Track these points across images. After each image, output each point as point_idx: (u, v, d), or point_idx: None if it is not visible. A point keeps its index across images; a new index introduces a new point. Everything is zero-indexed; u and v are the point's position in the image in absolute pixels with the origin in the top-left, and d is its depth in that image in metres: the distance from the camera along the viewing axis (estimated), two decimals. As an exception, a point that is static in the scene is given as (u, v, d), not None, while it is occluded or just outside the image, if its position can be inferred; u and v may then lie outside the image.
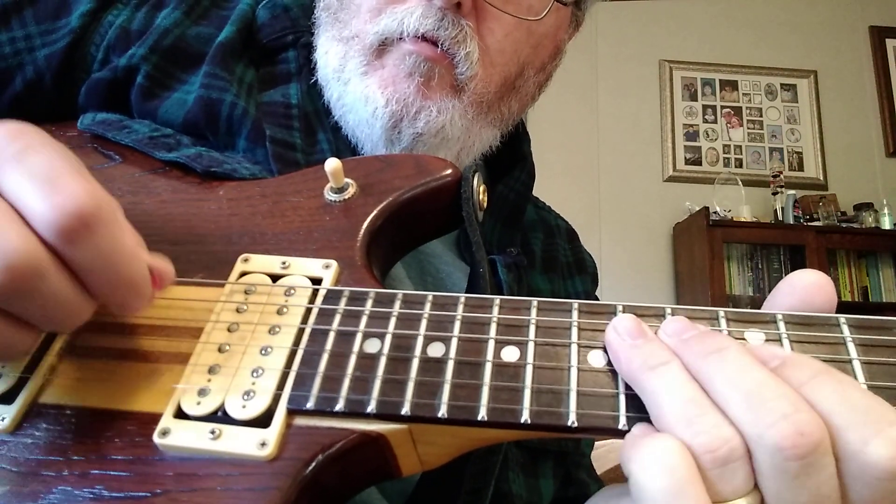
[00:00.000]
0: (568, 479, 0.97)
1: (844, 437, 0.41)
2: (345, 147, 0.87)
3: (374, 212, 0.67)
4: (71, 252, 0.47)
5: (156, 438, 0.52)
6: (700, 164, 5.55)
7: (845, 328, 0.50)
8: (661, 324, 0.50)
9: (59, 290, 0.48)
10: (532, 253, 1.03)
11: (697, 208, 5.11)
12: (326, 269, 0.62)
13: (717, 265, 4.86)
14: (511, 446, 0.84)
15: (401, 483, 0.64)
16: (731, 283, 5.11)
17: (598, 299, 1.12)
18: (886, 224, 5.18)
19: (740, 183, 5.38)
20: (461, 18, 0.81)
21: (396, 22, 0.80)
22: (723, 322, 0.52)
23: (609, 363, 0.51)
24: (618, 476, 0.49)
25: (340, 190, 0.68)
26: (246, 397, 0.53)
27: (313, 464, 0.50)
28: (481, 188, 0.72)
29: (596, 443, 1.37)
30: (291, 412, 0.52)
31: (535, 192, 1.16)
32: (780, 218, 5.24)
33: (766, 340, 0.51)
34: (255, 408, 0.53)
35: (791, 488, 0.41)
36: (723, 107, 5.71)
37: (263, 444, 0.51)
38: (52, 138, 0.51)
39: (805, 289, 0.52)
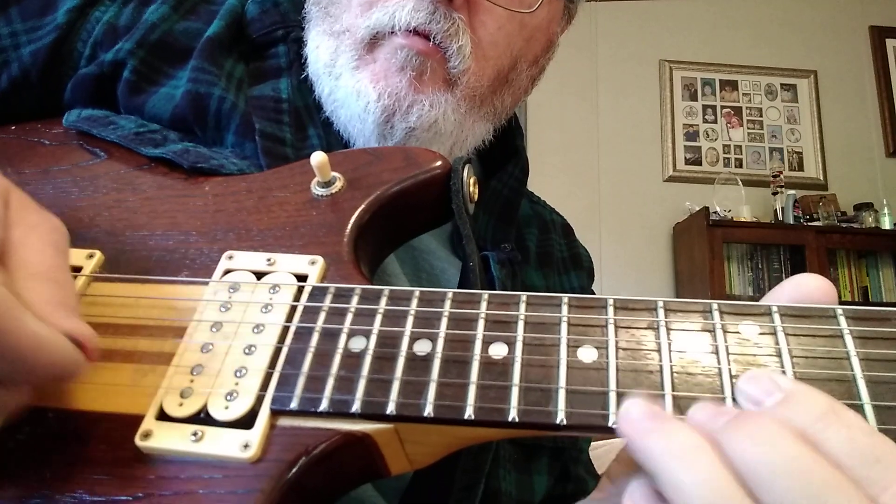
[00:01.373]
0: (565, 474, 0.96)
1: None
2: (336, 142, 0.86)
3: (362, 206, 0.66)
4: None
5: (137, 441, 0.51)
6: (700, 164, 5.55)
7: (842, 320, 0.49)
8: (688, 412, 0.45)
9: None
10: (527, 248, 1.02)
11: (697, 208, 5.11)
12: (312, 266, 0.61)
13: (717, 265, 4.86)
14: (504, 443, 0.83)
15: (396, 479, 0.64)
16: (731, 283, 5.11)
17: (594, 294, 1.12)
18: (886, 224, 5.18)
19: (740, 183, 5.38)
20: (453, 11, 0.80)
21: (388, 16, 0.79)
22: (716, 315, 0.51)
23: (599, 359, 0.49)
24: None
25: (327, 184, 0.67)
26: (229, 398, 0.52)
27: (297, 465, 0.49)
28: (471, 180, 0.71)
29: (596, 442, 1.37)
30: (275, 413, 0.51)
31: (535, 192, 1.16)
32: (780, 218, 5.25)
33: (761, 334, 0.49)
34: (238, 409, 0.51)
35: None
36: (723, 107, 5.72)
37: (246, 446, 0.50)
38: None
39: (810, 290, 0.50)
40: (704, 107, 5.71)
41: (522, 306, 0.54)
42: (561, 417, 0.47)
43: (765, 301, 0.52)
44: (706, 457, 0.40)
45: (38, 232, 0.52)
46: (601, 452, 1.41)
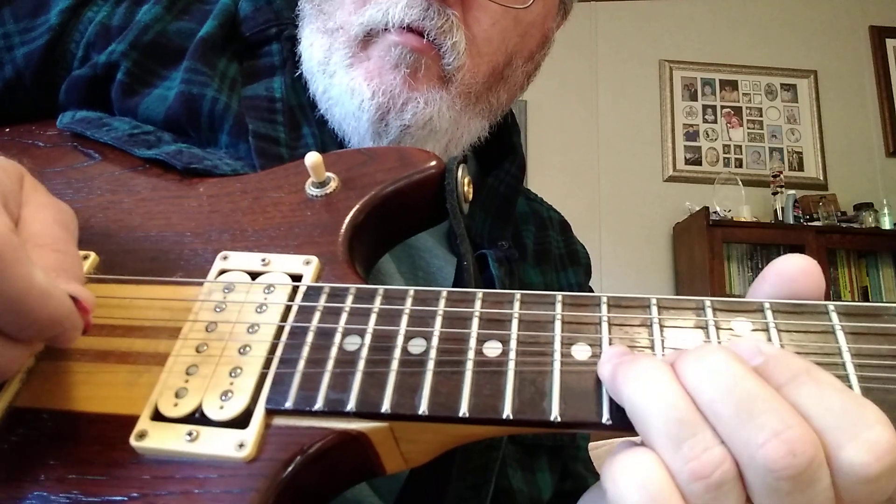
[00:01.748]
0: (565, 472, 0.96)
1: (825, 441, 0.40)
2: (331, 141, 0.86)
3: (357, 206, 0.66)
4: None
5: (133, 441, 0.51)
6: (700, 164, 5.55)
7: (834, 316, 0.49)
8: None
9: None
10: (524, 246, 1.02)
11: (697, 208, 5.11)
12: (307, 266, 0.61)
13: (717, 265, 4.86)
14: (507, 442, 0.83)
15: (392, 479, 0.64)
16: (731, 283, 5.10)
17: (592, 290, 1.12)
18: (886, 224, 5.17)
19: (740, 183, 5.38)
20: (447, 8, 0.79)
21: (381, 13, 0.79)
22: (709, 311, 0.51)
23: (593, 356, 0.50)
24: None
25: (322, 184, 0.67)
26: (224, 398, 0.52)
27: (292, 464, 0.49)
28: (466, 180, 0.71)
29: (596, 441, 1.37)
30: (270, 412, 0.51)
31: (535, 192, 1.16)
32: (780, 218, 5.24)
33: (754, 330, 0.49)
34: (233, 408, 0.51)
35: None
36: (723, 107, 5.71)
37: (241, 446, 0.50)
38: None
39: (792, 275, 0.50)
40: (704, 107, 5.71)
41: (517, 304, 0.54)
42: (555, 414, 0.47)
43: (751, 290, 0.52)
44: (665, 377, 0.44)
45: (48, 211, 0.54)
46: (601, 452, 1.41)
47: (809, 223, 5.17)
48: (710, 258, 4.83)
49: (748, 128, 5.68)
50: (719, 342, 0.49)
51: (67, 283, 0.49)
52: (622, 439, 0.46)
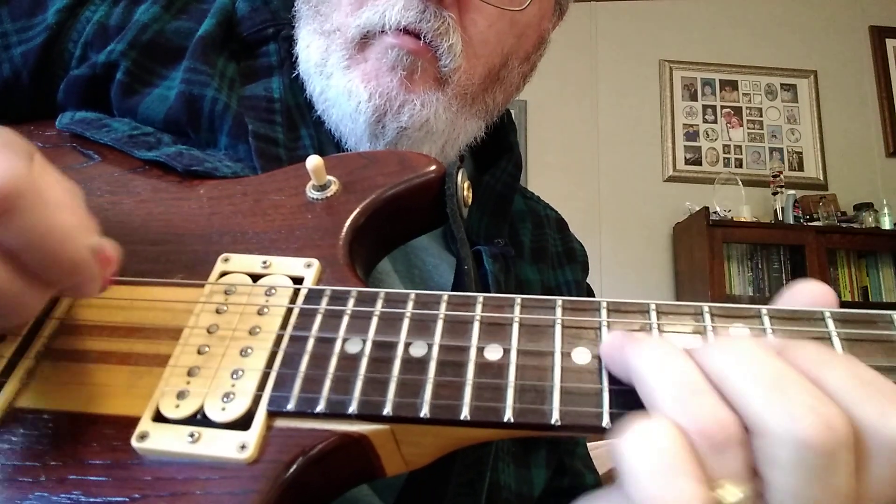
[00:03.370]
0: (562, 468, 0.96)
1: (860, 414, 0.40)
2: (328, 142, 0.86)
3: (357, 209, 0.66)
4: None
5: (134, 442, 0.51)
6: (700, 164, 5.54)
7: (830, 322, 0.49)
8: None
9: None
10: (521, 244, 1.02)
11: (697, 208, 5.10)
12: (308, 268, 0.61)
13: (717, 265, 4.86)
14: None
15: (392, 479, 0.64)
16: (731, 283, 5.10)
17: (589, 287, 1.13)
18: (886, 224, 5.17)
19: (740, 183, 5.38)
20: (443, 10, 0.80)
21: (378, 15, 0.79)
22: (707, 317, 0.51)
23: (593, 360, 0.50)
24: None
25: (322, 188, 0.67)
26: (226, 399, 0.52)
27: (294, 466, 0.50)
28: (465, 184, 0.72)
29: (595, 442, 1.37)
30: (272, 414, 0.51)
31: (535, 193, 1.16)
32: (780, 218, 5.24)
33: (751, 336, 0.50)
34: (235, 410, 0.52)
35: (808, 484, 0.39)
36: (723, 107, 5.71)
37: (243, 447, 0.50)
38: None
39: (813, 298, 0.51)
40: (704, 107, 5.70)
41: (517, 309, 0.54)
42: (555, 418, 0.47)
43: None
44: (679, 358, 0.44)
45: (61, 186, 0.53)
46: (601, 452, 1.41)
47: (809, 223, 5.17)
48: (710, 258, 4.83)
49: (748, 128, 5.67)
50: None
51: (89, 235, 0.50)
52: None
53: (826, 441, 0.38)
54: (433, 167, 0.69)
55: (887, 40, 5.85)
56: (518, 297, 0.55)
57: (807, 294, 0.51)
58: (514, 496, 0.84)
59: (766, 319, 0.50)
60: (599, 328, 0.52)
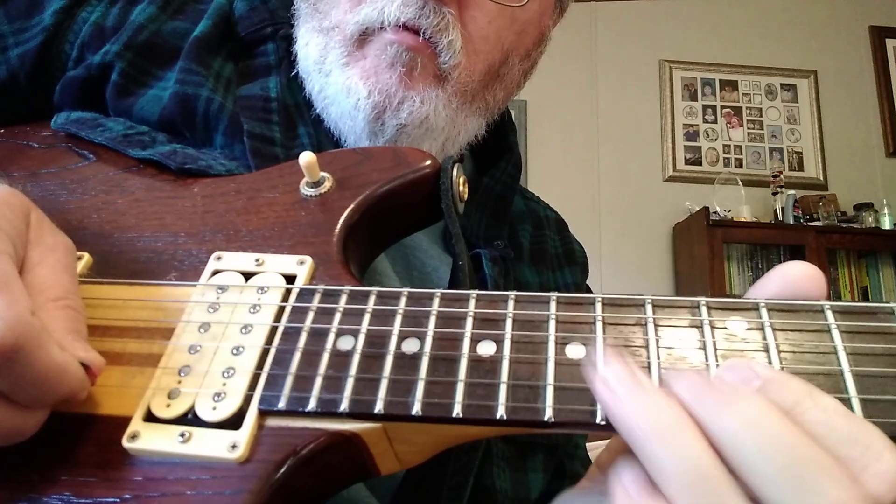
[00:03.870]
0: (561, 471, 0.95)
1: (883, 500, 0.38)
2: (327, 140, 0.85)
3: (351, 206, 0.65)
4: None
5: (125, 442, 0.51)
6: (700, 164, 5.55)
7: (829, 314, 0.49)
8: (672, 381, 0.44)
9: None
10: (520, 245, 1.02)
11: (697, 208, 5.10)
12: (301, 266, 0.61)
13: (717, 265, 4.86)
14: (497, 441, 0.83)
15: (388, 479, 0.63)
16: (731, 283, 5.10)
17: (588, 289, 1.13)
18: (886, 224, 5.17)
19: (740, 183, 5.38)
20: (443, 6, 0.79)
21: (377, 11, 0.79)
22: (704, 310, 0.50)
23: (587, 356, 0.49)
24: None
25: (316, 184, 0.67)
26: (216, 398, 0.52)
27: (285, 466, 0.49)
28: (461, 179, 0.71)
29: (593, 442, 1.36)
30: (263, 413, 0.51)
31: (535, 193, 1.16)
32: (780, 218, 5.24)
33: (749, 329, 0.49)
34: (226, 409, 0.51)
35: None
36: (723, 107, 5.71)
37: (234, 447, 0.49)
38: None
39: (796, 279, 0.50)
40: (704, 107, 5.70)
41: (511, 304, 0.53)
42: (549, 415, 0.47)
43: (752, 292, 0.52)
44: (689, 434, 0.40)
45: (56, 254, 0.55)
46: (597, 454, 1.41)
47: (809, 223, 5.17)
48: (710, 258, 4.83)
49: (748, 128, 5.67)
50: (714, 341, 0.49)
51: (82, 348, 0.51)
52: (625, 485, 0.43)
53: None
54: (428, 162, 0.69)
55: (887, 40, 5.85)
56: (512, 293, 0.54)
57: (796, 279, 0.50)
58: (510, 500, 0.83)
59: (763, 312, 0.49)
60: (594, 323, 0.51)
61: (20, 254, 0.52)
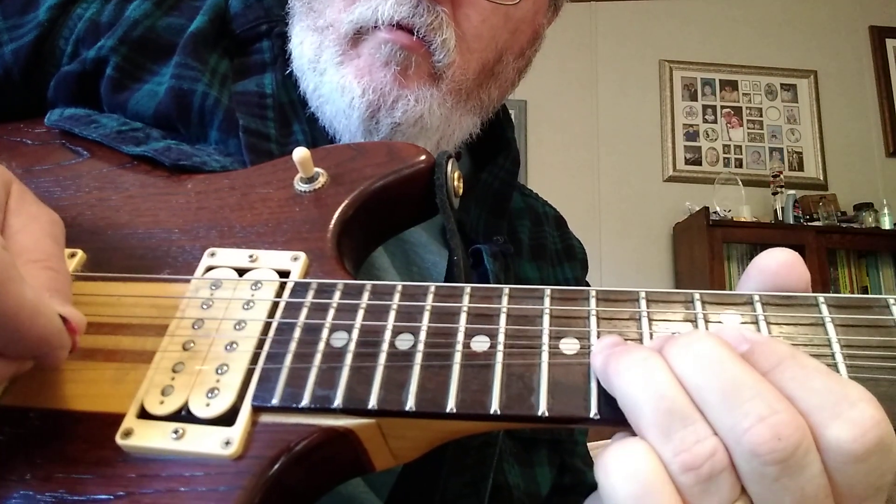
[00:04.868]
0: (563, 466, 0.96)
1: (811, 424, 0.40)
2: (321, 138, 0.85)
3: (346, 201, 0.65)
4: None
5: (119, 439, 0.51)
6: (700, 164, 5.55)
7: (824, 308, 0.49)
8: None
9: None
10: (519, 241, 1.02)
11: (697, 208, 5.11)
12: (295, 262, 0.60)
13: (717, 265, 4.85)
14: (504, 437, 0.83)
15: (387, 474, 0.63)
16: (731, 283, 5.09)
17: (588, 285, 1.12)
18: (886, 224, 5.17)
19: (740, 183, 5.38)
20: (436, 5, 0.79)
21: (371, 10, 0.79)
22: (698, 304, 0.51)
23: (581, 350, 0.49)
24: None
25: (310, 180, 0.67)
26: (210, 395, 0.52)
27: (279, 462, 0.49)
28: (456, 174, 0.71)
29: (595, 441, 1.36)
30: (256, 409, 0.51)
31: (535, 192, 1.16)
32: (780, 218, 5.24)
33: (743, 322, 0.49)
34: (220, 405, 0.51)
35: (773, 492, 0.40)
36: (723, 107, 5.71)
37: (228, 443, 0.49)
38: None
39: (774, 270, 0.50)
40: (704, 107, 5.71)
41: (505, 299, 0.53)
42: (543, 409, 0.47)
43: (738, 288, 0.52)
44: (656, 366, 0.44)
45: (39, 222, 0.54)
46: (598, 453, 1.41)
47: (809, 223, 5.17)
48: (710, 258, 4.83)
49: (748, 128, 5.68)
50: None
51: (61, 303, 0.49)
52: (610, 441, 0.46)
53: (774, 450, 0.39)
54: (422, 157, 0.69)
55: (887, 40, 5.85)
56: (506, 287, 0.54)
57: (776, 267, 0.50)
58: (525, 496, 0.83)
59: (758, 306, 0.50)
60: (588, 317, 0.51)
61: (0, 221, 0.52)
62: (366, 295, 0.56)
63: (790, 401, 0.40)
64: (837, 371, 0.46)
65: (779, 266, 0.50)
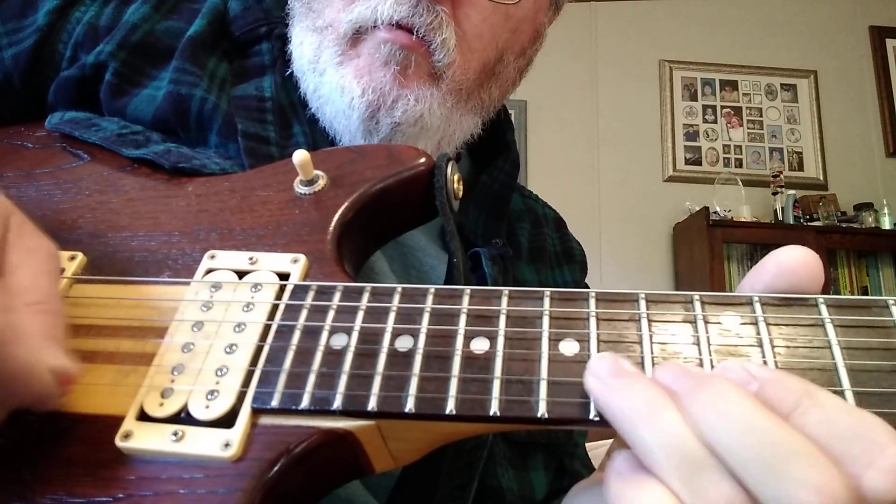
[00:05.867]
0: (562, 470, 0.95)
1: (845, 473, 0.38)
2: (322, 139, 0.85)
3: (345, 204, 0.65)
4: None
5: (118, 442, 0.51)
6: (700, 164, 5.55)
7: (823, 308, 0.49)
8: (656, 370, 0.46)
9: None
10: (519, 244, 1.02)
11: (697, 208, 5.11)
12: (294, 264, 0.60)
13: (717, 265, 4.85)
14: (498, 441, 0.83)
15: (386, 477, 0.63)
16: (731, 283, 5.09)
17: (588, 287, 1.12)
18: (886, 224, 5.17)
19: (740, 183, 5.38)
20: (436, 4, 0.79)
21: (370, 10, 0.79)
22: (697, 305, 0.50)
23: (581, 352, 0.49)
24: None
25: (310, 182, 0.67)
26: (210, 397, 0.52)
27: (279, 464, 0.49)
28: (455, 177, 0.71)
29: (594, 442, 1.36)
30: (256, 411, 0.51)
31: (535, 193, 1.16)
32: (780, 218, 5.24)
33: (743, 324, 0.49)
34: (219, 408, 0.51)
35: None
36: (723, 107, 5.71)
37: (227, 445, 0.49)
38: None
39: (793, 267, 0.49)
40: (704, 107, 5.71)
41: (504, 300, 0.53)
42: (542, 411, 0.47)
43: (748, 280, 0.51)
44: (669, 415, 0.41)
45: (37, 258, 0.53)
46: (600, 453, 1.40)
47: (809, 223, 5.17)
48: (710, 258, 4.83)
49: (748, 128, 5.68)
50: (707, 336, 0.49)
51: (55, 354, 0.49)
52: (615, 466, 0.44)
53: None
54: (422, 160, 0.68)
55: (887, 40, 5.85)
56: (505, 289, 0.54)
57: (793, 263, 0.49)
58: (518, 499, 0.83)
59: (757, 307, 0.50)
60: (588, 319, 0.51)
61: None
62: (365, 297, 0.56)
63: (821, 449, 0.38)
64: (838, 373, 0.45)
65: (797, 264, 0.49)
